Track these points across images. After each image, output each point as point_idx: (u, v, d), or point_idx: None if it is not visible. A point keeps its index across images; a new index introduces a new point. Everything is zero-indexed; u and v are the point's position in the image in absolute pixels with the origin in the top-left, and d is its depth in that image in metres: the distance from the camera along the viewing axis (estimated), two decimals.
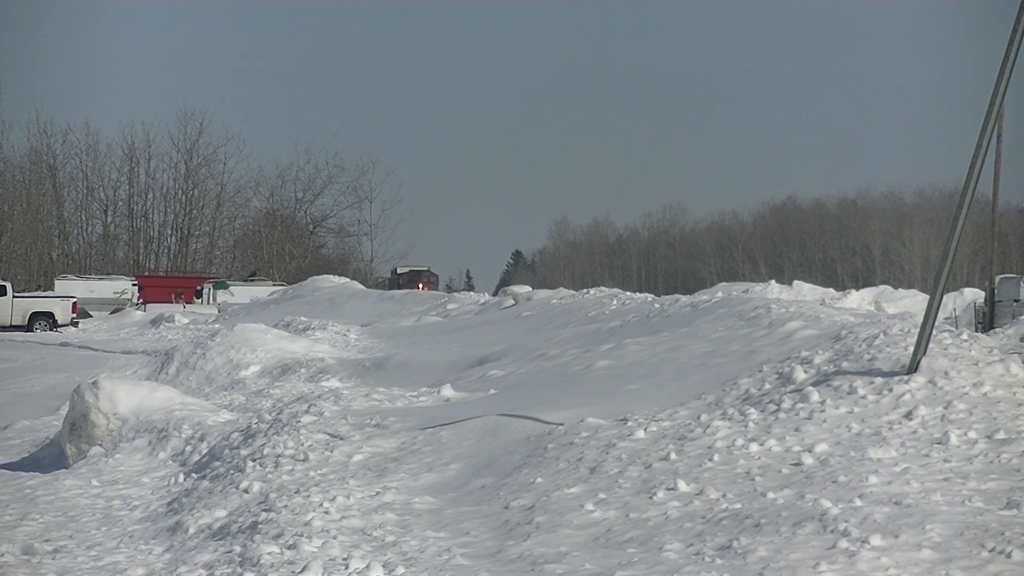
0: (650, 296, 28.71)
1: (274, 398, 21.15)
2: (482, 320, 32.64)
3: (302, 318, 36.08)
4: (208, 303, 67.84)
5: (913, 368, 13.07)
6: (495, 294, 50.19)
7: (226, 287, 70.59)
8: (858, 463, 10.93)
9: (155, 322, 48.99)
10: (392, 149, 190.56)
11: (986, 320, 32.26)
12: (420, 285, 74.06)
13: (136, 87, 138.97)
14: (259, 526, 11.37)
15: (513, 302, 34.88)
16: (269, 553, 10.36)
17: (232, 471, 14.25)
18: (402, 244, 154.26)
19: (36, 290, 65.04)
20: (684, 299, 24.21)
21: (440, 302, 40.57)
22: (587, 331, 23.45)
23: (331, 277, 59.05)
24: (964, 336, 14.34)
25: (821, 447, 11.47)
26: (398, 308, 41.53)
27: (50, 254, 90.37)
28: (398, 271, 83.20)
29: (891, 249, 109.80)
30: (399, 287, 70.74)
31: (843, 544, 8.98)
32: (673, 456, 11.73)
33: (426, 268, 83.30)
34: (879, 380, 13.05)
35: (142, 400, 18.26)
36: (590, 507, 10.74)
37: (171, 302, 64.95)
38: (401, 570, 9.71)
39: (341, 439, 14.64)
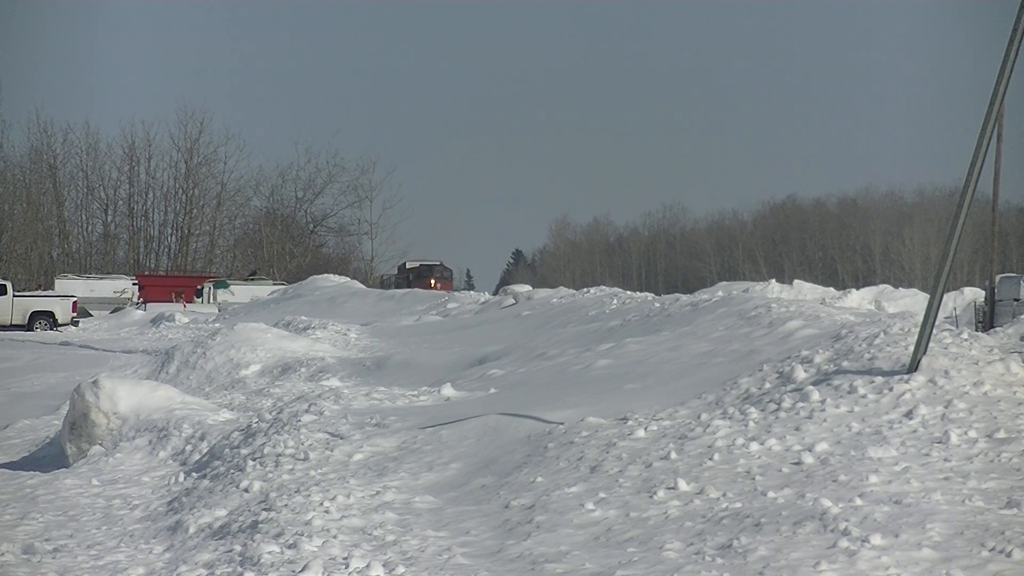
0: (650, 295, 28.73)
1: (274, 397, 21.16)
2: (482, 319, 32.65)
3: (302, 317, 36.10)
4: (208, 302, 67.74)
5: (913, 367, 13.07)
6: (495, 293, 50.11)
7: (226, 286, 70.53)
8: (858, 462, 10.93)
9: (155, 321, 48.98)
10: (392, 149, 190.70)
11: (986, 319, 32.29)
12: (432, 282, 68.77)
13: (136, 87, 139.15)
14: (259, 525, 11.37)
15: (513, 301, 34.88)
16: (269, 552, 10.36)
17: (232, 470, 14.25)
18: (402, 244, 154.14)
19: (36, 289, 65.03)
20: (684, 298, 24.21)
21: (440, 301, 40.58)
22: (587, 330, 23.45)
23: (331, 276, 58.98)
24: (964, 335, 14.33)
25: (821, 446, 11.47)
26: (398, 307, 41.53)
27: (50, 253, 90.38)
28: (407, 266, 76.31)
29: (891, 248, 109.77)
30: (408, 284, 66.80)
31: (843, 543, 8.98)
32: (673, 455, 11.73)
33: (438, 262, 75.34)
34: (879, 379, 13.05)
35: (142, 399, 18.27)
36: (590, 506, 10.74)
37: (171, 301, 64.90)
38: (401, 569, 9.71)
39: (341, 438, 14.63)
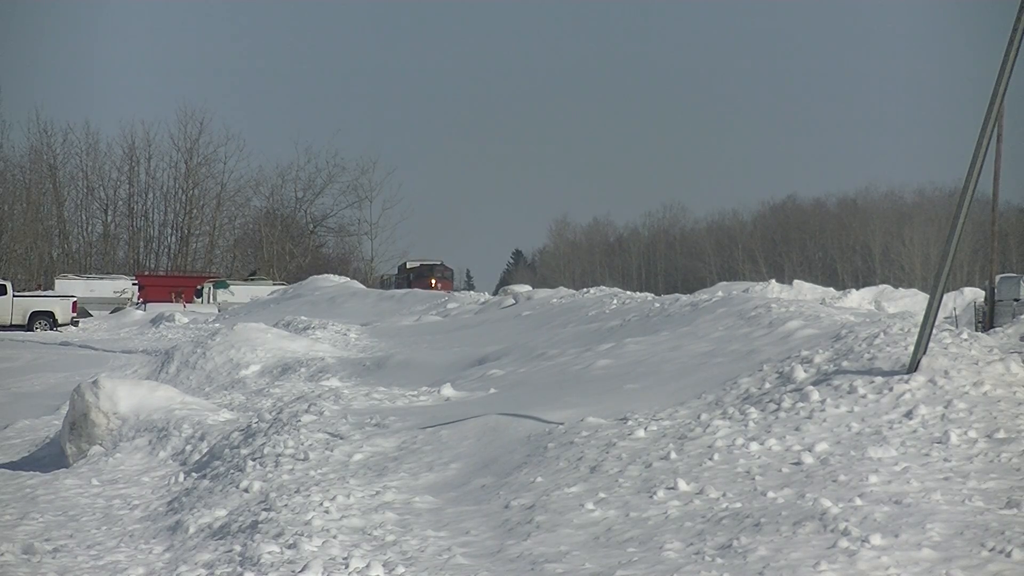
0: (650, 295, 28.73)
1: (274, 397, 21.14)
2: (482, 319, 32.64)
3: (302, 317, 36.08)
4: (208, 302, 67.72)
5: (913, 367, 13.07)
6: (495, 293, 50.10)
7: (226, 286, 70.51)
8: (858, 462, 10.93)
9: (155, 321, 48.96)
10: (392, 149, 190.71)
11: (986, 319, 32.28)
12: (433, 282, 68.35)
13: (136, 87, 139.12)
14: (259, 525, 11.37)
15: (513, 301, 34.87)
16: (269, 552, 10.37)
17: (232, 470, 14.25)
18: (402, 244, 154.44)
19: (36, 289, 65.02)
20: (684, 298, 24.21)
21: (440, 301, 40.57)
22: (587, 330, 23.45)
23: (331, 276, 58.91)
24: (964, 335, 14.33)
25: (821, 446, 11.47)
26: (398, 307, 41.52)
27: (50, 253, 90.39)
28: (407, 266, 75.82)
29: (891, 248, 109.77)
30: (408, 284, 66.47)
31: (843, 543, 8.98)
32: (673, 455, 11.73)
33: (439, 262, 75.01)
34: (879, 379, 13.05)
35: (142, 399, 18.27)
36: (590, 506, 10.74)
37: (171, 301, 64.88)
38: (401, 569, 9.71)
39: (341, 438, 14.64)
